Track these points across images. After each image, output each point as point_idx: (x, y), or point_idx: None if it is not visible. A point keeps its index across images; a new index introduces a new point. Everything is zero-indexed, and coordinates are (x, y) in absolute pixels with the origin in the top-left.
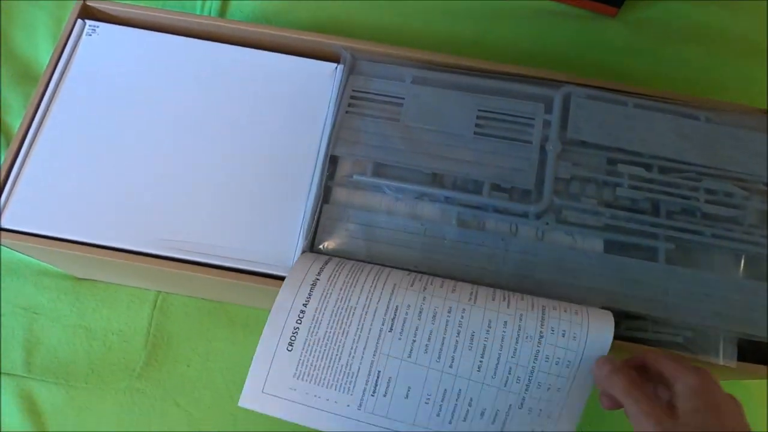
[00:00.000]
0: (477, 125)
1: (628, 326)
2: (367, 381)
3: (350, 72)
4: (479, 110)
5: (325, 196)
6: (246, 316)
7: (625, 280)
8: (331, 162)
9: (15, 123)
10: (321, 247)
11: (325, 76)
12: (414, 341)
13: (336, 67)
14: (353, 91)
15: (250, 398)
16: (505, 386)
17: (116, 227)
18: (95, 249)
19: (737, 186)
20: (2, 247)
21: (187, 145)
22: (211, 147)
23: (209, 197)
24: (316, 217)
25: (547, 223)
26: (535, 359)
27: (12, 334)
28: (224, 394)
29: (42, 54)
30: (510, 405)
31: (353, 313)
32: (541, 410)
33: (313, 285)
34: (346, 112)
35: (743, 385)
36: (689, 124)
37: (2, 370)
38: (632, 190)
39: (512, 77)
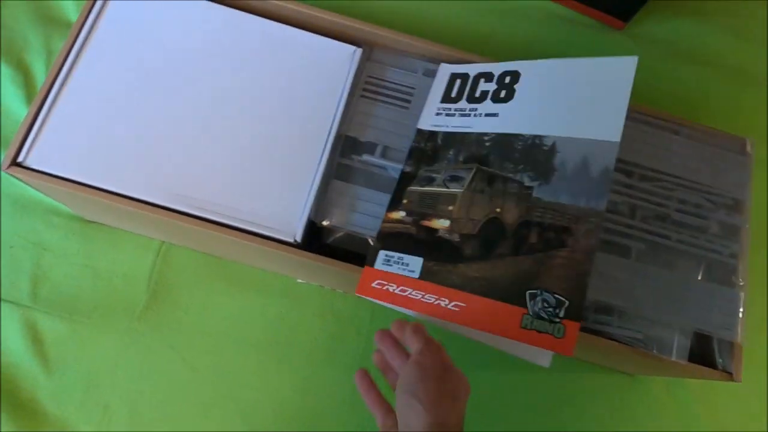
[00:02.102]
0: None
1: (596, 320)
2: None
3: (367, 58)
4: None
5: (335, 172)
6: (244, 274)
7: (601, 272)
8: (343, 141)
9: (35, 62)
10: (326, 221)
11: (344, 58)
12: None
13: (354, 51)
14: (368, 77)
15: None
16: None
17: (133, 176)
18: (110, 195)
19: (706, 198)
20: (15, 182)
21: (207, 107)
22: (230, 112)
23: (223, 158)
24: (324, 191)
25: None
26: None
27: (20, 266)
28: (217, 342)
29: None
30: None
31: None
32: None
33: None
34: (361, 95)
35: (685, 384)
36: (669, 138)
37: (8, 299)
38: (613, 194)
39: None
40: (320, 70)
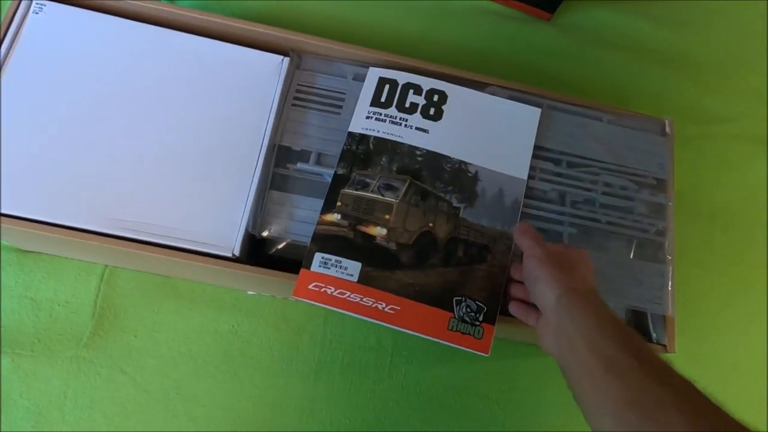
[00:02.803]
0: None
1: None
2: None
3: (296, 67)
4: None
5: (270, 183)
6: (193, 291)
7: None
8: (276, 151)
9: None
10: (265, 232)
11: (272, 68)
12: None
13: (282, 60)
14: (298, 85)
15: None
16: None
17: (66, 205)
18: (44, 226)
19: (631, 180)
20: None
21: (135, 127)
22: (160, 130)
23: (156, 178)
24: (261, 203)
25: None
26: None
27: None
28: (170, 362)
29: None
30: None
31: None
32: None
33: None
34: (292, 104)
35: None
36: (593, 125)
37: None
38: (543, 182)
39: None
40: (249, 82)
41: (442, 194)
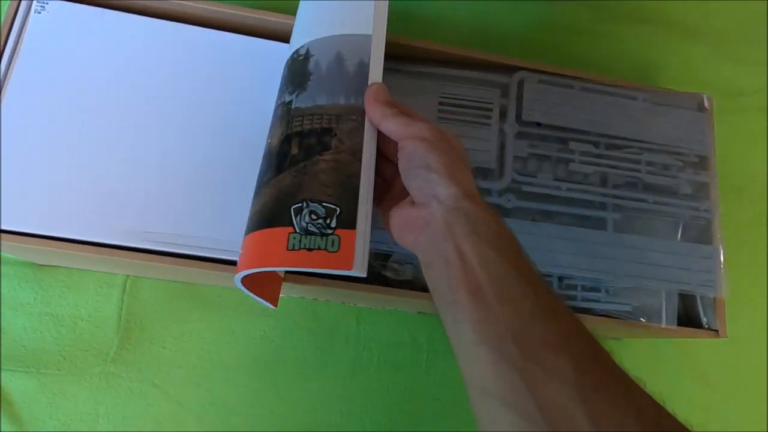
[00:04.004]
0: (440, 110)
1: (584, 297)
2: None
3: None
4: (441, 97)
5: None
6: (220, 298)
7: (580, 250)
8: None
9: None
10: None
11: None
12: None
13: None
14: None
15: None
16: None
17: (84, 218)
18: (61, 243)
19: (673, 159)
20: None
21: (146, 131)
22: (174, 133)
23: (175, 185)
24: None
25: (509, 200)
26: None
27: None
28: (201, 372)
29: None
30: None
31: None
32: None
33: None
34: None
35: (679, 344)
36: (629, 105)
37: None
38: (583, 165)
39: (470, 62)
40: (268, 75)
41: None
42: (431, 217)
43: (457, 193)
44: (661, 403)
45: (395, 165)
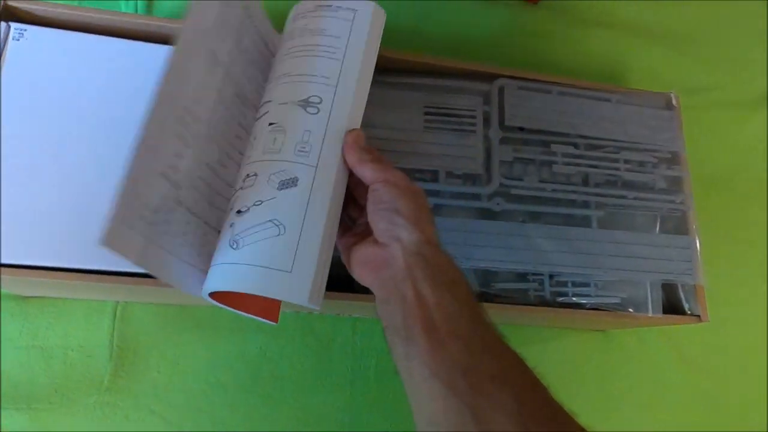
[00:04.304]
0: (426, 120)
1: (576, 293)
2: None
3: None
4: (425, 107)
5: None
6: (212, 317)
7: (568, 247)
8: None
9: None
10: None
11: None
12: None
13: None
14: None
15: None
16: None
17: (65, 246)
18: (47, 272)
19: (648, 156)
20: None
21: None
22: None
23: None
24: None
25: (498, 203)
26: None
27: None
28: (199, 395)
29: None
30: None
31: None
32: None
33: None
34: None
35: (654, 329)
36: (604, 106)
37: None
38: (565, 166)
39: (450, 72)
40: None
41: None
42: (392, 258)
43: (420, 239)
44: (587, 428)
45: (360, 206)
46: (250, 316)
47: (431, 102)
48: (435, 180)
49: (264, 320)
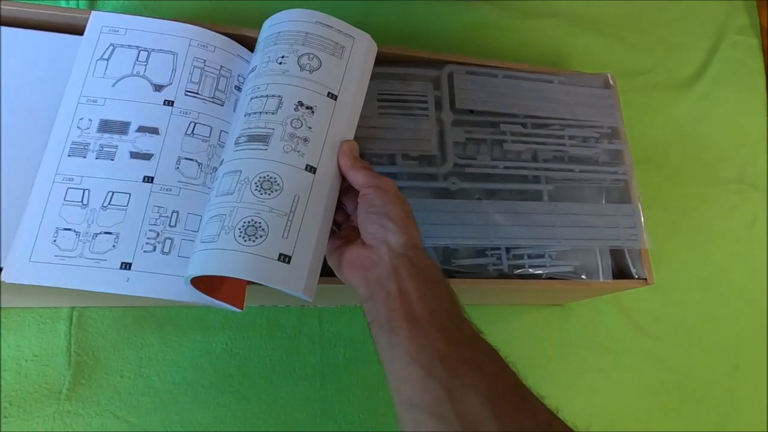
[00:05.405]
0: (379, 106)
1: (532, 264)
2: None
3: None
4: (378, 93)
5: None
6: (175, 316)
7: (523, 221)
8: None
9: None
10: None
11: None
12: None
13: None
14: None
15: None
16: None
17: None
18: None
19: (591, 132)
20: None
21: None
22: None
23: None
24: None
25: (454, 183)
26: None
27: None
28: (165, 396)
29: None
30: None
31: None
32: None
33: None
34: None
35: (605, 299)
36: (547, 87)
37: None
38: (515, 144)
39: (400, 59)
40: None
41: None
42: (380, 259)
43: (406, 242)
44: (555, 410)
45: (345, 212)
46: (216, 303)
47: (384, 89)
48: (393, 163)
49: (230, 307)
